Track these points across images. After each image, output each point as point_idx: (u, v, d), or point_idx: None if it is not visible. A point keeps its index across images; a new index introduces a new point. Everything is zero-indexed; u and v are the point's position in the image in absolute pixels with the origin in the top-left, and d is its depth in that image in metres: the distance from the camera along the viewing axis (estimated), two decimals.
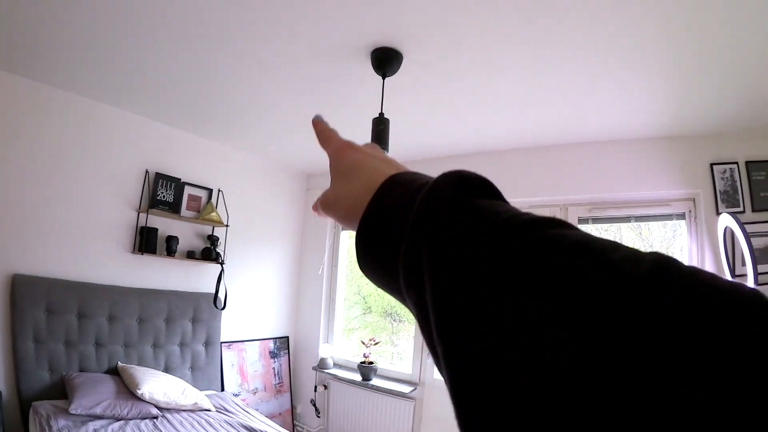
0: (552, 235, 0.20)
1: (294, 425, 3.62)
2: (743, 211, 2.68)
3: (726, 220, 2.39)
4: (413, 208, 0.26)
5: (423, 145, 2.94)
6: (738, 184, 2.70)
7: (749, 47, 1.79)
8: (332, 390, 3.33)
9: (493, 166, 2.91)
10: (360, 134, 1.81)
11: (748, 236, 2.22)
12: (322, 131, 0.42)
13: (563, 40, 1.73)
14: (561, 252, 0.19)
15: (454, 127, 2.63)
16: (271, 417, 3.25)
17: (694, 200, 2.78)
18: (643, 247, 2.92)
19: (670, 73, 2.00)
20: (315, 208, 0.40)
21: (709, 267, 2.67)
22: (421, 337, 3.07)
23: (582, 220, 2.82)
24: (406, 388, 3.03)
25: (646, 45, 1.77)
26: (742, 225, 2.27)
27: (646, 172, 2.74)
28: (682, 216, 2.81)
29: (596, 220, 2.85)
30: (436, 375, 3.04)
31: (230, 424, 2.41)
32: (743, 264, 2.34)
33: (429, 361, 3.04)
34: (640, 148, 2.74)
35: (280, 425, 2.87)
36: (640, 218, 2.86)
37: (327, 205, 0.36)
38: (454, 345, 0.21)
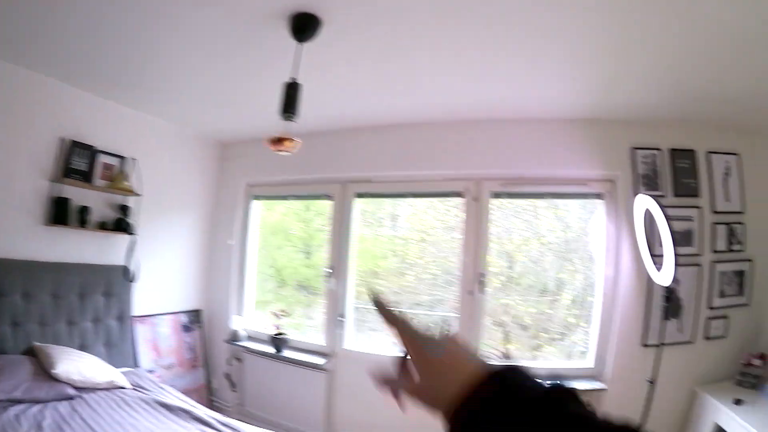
0: None
1: (211, 400, 3.65)
2: (664, 196, 2.84)
3: (645, 202, 2.49)
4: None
5: (339, 116, 2.90)
6: (660, 169, 2.87)
7: (677, 38, 1.87)
8: (246, 363, 3.37)
9: (409, 139, 2.93)
10: (276, 101, 1.75)
11: (667, 217, 2.31)
12: (387, 315, 0.47)
13: (488, 16, 1.73)
14: None
15: (371, 98, 2.61)
16: (187, 392, 3.24)
17: (613, 182, 2.91)
18: (560, 226, 3.18)
19: (596, 58, 2.05)
20: (396, 395, 0.46)
21: (625, 246, 2.87)
22: (333, 309, 3.21)
23: (496, 194, 2.92)
24: (319, 360, 3.09)
25: (573, 28, 1.80)
26: (661, 206, 2.36)
27: (566, 151, 2.83)
28: (599, 196, 2.93)
29: (511, 195, 2.96)
30: (348, 345, 3.14)
31: (146, 402, 2.41)
32: (661, 245, 2.46)
33: (340, 331, 3.16)
34: (562, 127, 2.82)
35: (197, 401, 2.82)
36: (556, 195, 2.97)
37: (417, 394, 0.43)
38: None
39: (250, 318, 3.53)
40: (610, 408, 2.93)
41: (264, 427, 2.53)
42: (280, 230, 3.52)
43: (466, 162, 2.90)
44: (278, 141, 1.90)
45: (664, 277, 2.49)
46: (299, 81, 1.82)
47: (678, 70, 2.20)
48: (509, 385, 0.36)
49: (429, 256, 3.16)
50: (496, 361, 0.40)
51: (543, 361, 3.12)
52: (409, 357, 0.45)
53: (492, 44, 1.96)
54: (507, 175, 2.92)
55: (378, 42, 1.99)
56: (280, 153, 1.93)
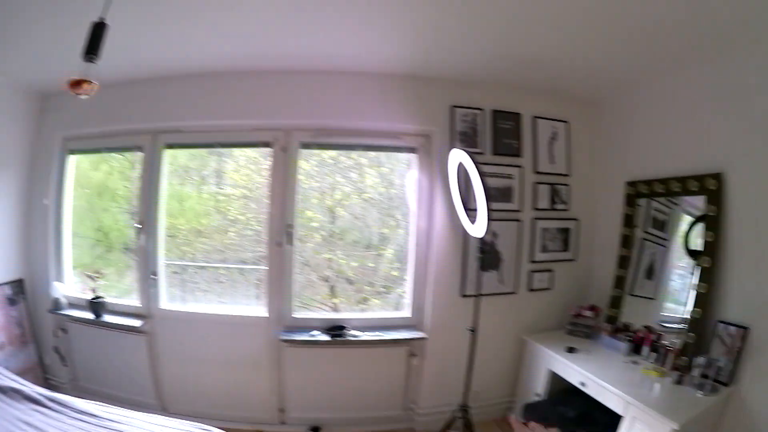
0: None
1: (46, 379, 3.45)
2: (483, 153, 2.91)
3: (459, 156, 2.52)
4: None
5: (151, 63, 2.73)
6: (480, 128, 2.91)
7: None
8: (71, 333, 3.21)
9: (220, 88, 2.82)
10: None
11: (481, 172, 2.33)
12: None
13: None
14: None
15: (182, 45, 2.48)
16: (23, 373, 3.07)
17: (428, 137, 2.92)
18: (383, 183, 3.10)
19: (418, 11, 2.02)
20: None
21: (439, 200, 2.87)
22: (144, 265, 2.98)
23: (305, 145, 2.86)
24: (136, 322, 2.95)
25: None
26: (473, 158, 2.37)
27: (382, 105, 2.80)
28: (413, 150, 2.94)
29: (321, 146, 2.91)
30: (164, 306, 3.01)
31: None
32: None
33: (154, 290, 3.00)
34: (380, 82, 2.80)
35: (32, 381, 2.66)
36: (368, 147, 2.95)
37: None
38: None
39: (71, 283, 3.31)
40: (433, 355, 2.94)
41: (100, 401, 2.36)
42: (107, 190, 3.30)
43: (276, 112, 2.81)
44: (76, 84, 1.75)
45: (477, 229, 2.48)
46: (107, 22, 1.65)
47: (509, 34, 2.20)
48: None
49: (251, 212, 3.05)
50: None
51: (369, 312, 3.08)
52: None
53: None
54: (317, 125, 2.85)
55: None
56: (80, 96, 1.78)
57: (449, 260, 2.93)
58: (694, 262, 2.49)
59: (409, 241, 3.02)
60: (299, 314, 2.97)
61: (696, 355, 2.26)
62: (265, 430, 2.96)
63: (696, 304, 2.39)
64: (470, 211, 2.67)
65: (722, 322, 2.27)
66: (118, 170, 3.29)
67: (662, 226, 2.83)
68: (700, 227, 2.47)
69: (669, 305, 2.70)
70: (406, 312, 3.01)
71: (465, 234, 2.85)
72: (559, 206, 3.17)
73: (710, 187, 2.37)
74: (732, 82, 2.31)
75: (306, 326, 2.89)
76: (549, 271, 3.17)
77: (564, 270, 3.22)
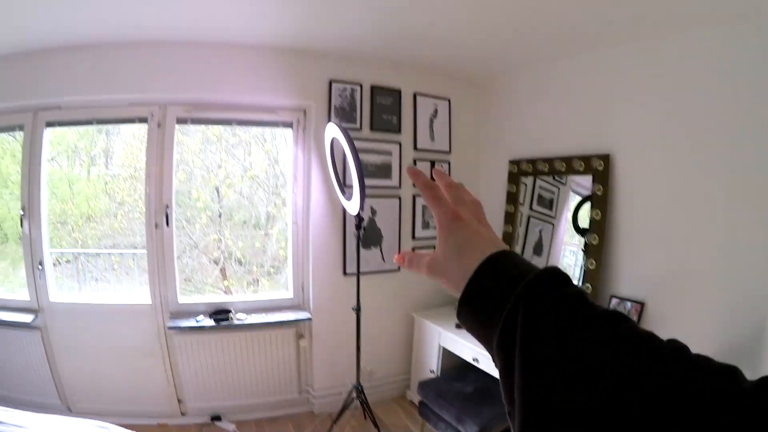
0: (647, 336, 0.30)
1: None
2: (360, 129, 2.85)
3: (332, 130, 2.45)
4: (517, 285, 0.35)
5: (28, 33, 2.55)
6: (358, 103, 2.84)
7: None
8: None
9: (99, 61, 2.71)
10: None
11: (352, 144, 2.27)
12: (428, 188, 0.47)
13: None
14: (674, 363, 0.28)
15: (59, 13, 2.32)
16: None
17: (305, 111, 2.85)
18: (265, 158, 3.10)
19: None
20: (403, 259, 0.49)
21: (316, 176, 2.80)
22: (30, 255, 2.99)
23: (181, 120, 2.77)
24: (26, 317, 2.80)
25: None
26: (347, 133, 2.30)
27: (258, 79, 2.73)
28: (289, 125, 2.87)
29: (195, 121, 2.82)
30: (54, 298, 2.86)
31: None
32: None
33: (42, 282, 2.86)
34: (257, 55, 2.73)
35: None
36: (243, 122, 2.88)
37: (435, 270, 0.44)
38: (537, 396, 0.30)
39: None
40: (320, 336, 2.91)
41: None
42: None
43: (151, 85, 2.71)
44: None
45: (353, 206, 2.44)
46: None
47: (393, 7, 2.12)
48: (516, 262, 0.39)
49: (137, 193, 3.00)
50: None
51: (257, 293, 3.05)
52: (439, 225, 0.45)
53: None
54: (193, 100, 2.76)
55: None
56: None
57: (328, 238, 2.87)
58: (582, 239, 2.52)
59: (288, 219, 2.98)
60: (185, 299, 2.90)
61: None
62: (169, 423, 2.89)
63: (585, 279, 2.44)
64: (347, 187, 2.62)
65: (615, 296, 2.35)
66: (10, 153, 3.23)
67: (549, 204, 2.82)
68: (587, 206, 2.52)
69: None
70: (289, 292, 2.98)
71: (344, 212, 2.82)
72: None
73: (597, 167, 2.44)
74: (624, 71, 2.38)
75: (192, 312, 2.81)
76: (432, 248, 3.14)
77: None
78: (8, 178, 3.21)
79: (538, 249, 2.85)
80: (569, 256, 2.77)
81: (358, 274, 2.55)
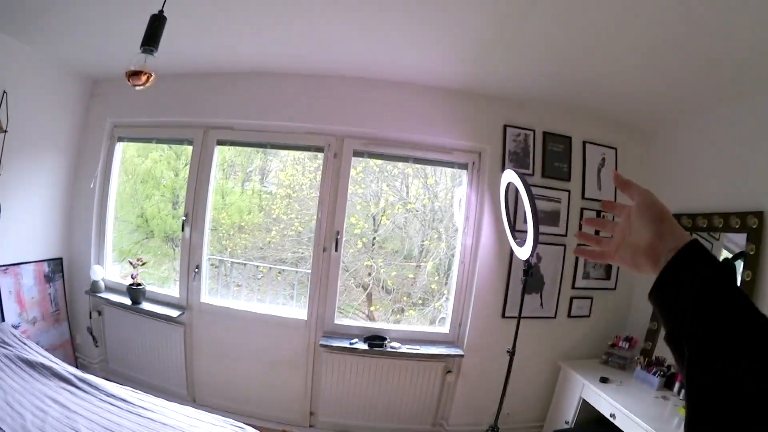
0: None
1: (76, 357, 3.49)
2: (532, 174, 2.87)
3: (509, 176, 2.47)
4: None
5: (208, 58, 2.73)
6: (531, 149, 2.88)
7: (561, 24, 1.88)
8: (106, 316, 3.25)
9: (276, 88, 2.82)
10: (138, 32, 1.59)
11: (531, 192, 2.28)
12: (624, 182, 0.60)
13: None
14: None
15: (240, 42, 2.47)
16: (53, 349, 3.12)
17: (480, 154, 2.91)
18: (428, 195, 3.18)
19: (477, 28, 2.01)
20: (619, 178, 0.61)
21: (487, 219, 2.85)
22: (188, 258, 3.00)
23: (357, 153, 2.85)
24: (174, 312, 2.95)
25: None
26: (525, 181, 2.33)
27: (436, 119, 2.80)
28: (464, 166, 2.93)
29: (372, 155, 2.90)
30: (204, 299, 3.01)
31: (9, 358, 2.28)
32: (525, 221, 2.45)
33: (196, 283, 3.01)
34: (436, 96, 2.79)
35: (62, 358, 2.68)
36: (420, 161, 2.93)
37: (645, 215, 0.55)
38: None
39: (110, 268, 3.34)
40: (468, 373, 2.92)
41: (127, 385, 2.38)
42: (151, 178, 3.32)
43: (330, 117, 2.79)
44: (135, 74, 1.75)
45: (524, 251, 2.44)
46: (166, 15, 1.65)
47: (569, 56, 2.16)
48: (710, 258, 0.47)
49: (294, 212, 3.03)
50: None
51: (405, 324, 3.06)
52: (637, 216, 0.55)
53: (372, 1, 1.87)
54: (370, 135, 2.82)
55: None
56: (137, 87, 1.78)
57: (493, 280, 2.89)
58: None
59: (452, 256, 2.99)
60: (339, 321, 2.96)
61: None
62: None
63: None
64: (516, 232, 2.64)
65: None
66: (165, 160, 3.29)
67: None
68: (738, 264, 2.42)
69: None
70: (445, 328, 2.99)
71: (511, 255, 2.81)
72: (603, 234, 3.10)
73: (751, 225, 2.33)
74: None
75: (345, 333, 2.90)
76: (589, 298, 3.12)
77: (603, 298, 3.17)
78: (160, 181, 3.27)
79: None
80: None
81: (519, 318, 2.54)
